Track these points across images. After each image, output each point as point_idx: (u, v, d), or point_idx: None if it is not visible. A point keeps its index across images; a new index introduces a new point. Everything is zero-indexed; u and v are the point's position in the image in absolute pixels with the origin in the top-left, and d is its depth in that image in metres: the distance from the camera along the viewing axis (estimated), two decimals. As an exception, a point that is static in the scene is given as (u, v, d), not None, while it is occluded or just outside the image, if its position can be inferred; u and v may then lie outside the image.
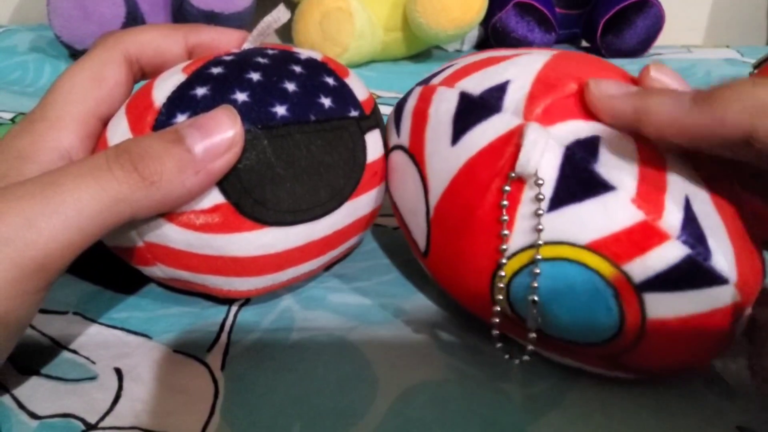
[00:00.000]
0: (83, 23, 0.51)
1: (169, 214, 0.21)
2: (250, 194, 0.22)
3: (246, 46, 0.26)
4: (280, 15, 0.25)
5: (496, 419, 0.22)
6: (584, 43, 0.74)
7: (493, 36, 0.66)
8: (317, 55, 0.27)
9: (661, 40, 0.67)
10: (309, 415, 0.22)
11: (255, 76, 0.23)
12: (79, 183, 0.18)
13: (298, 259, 0.24)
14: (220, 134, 0.20)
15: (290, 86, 0.23)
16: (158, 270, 0.24)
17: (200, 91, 0.22)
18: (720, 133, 0.18)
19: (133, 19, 0.53)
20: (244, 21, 0.57)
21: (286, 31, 0.71)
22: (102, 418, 0.21)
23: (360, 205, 0.25)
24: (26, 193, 0.18)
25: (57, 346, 0.24)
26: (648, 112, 0.19)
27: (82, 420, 0.21)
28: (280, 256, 0.23)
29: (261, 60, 0.24)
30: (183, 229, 0.22)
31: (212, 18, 0.54)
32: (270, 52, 0.25)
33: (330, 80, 0.25)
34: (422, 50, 0.65)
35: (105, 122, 0.23)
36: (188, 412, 0.22)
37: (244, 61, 0.24)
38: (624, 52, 0.66)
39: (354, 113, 0.25)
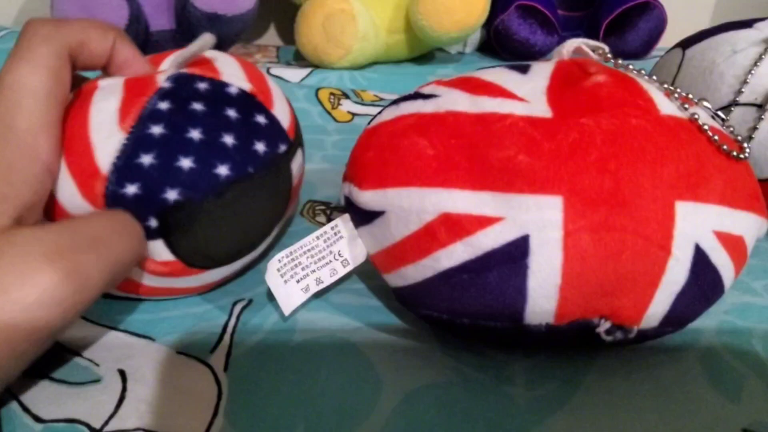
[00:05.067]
0: (86, 25, 0.52)
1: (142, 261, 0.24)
2: (198, 252, 0.24)
3: (166, 68, 0.25)
4: (205, 42, 0.25)
5: (501, 422, 0.22)
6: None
7: (496, 38, 0.66)
8: (245, 85, 0.26)
9: (664, 42, 0.67)
10: (313, 416, 0.22)
11: (195, 135, 0.23)
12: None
13: (240, 272, 0.29)
14: None
15: (229, 139, 0.24)
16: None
17: (146, 160, 0.22)
18: None
19: (137, 21, 0.53)
20: (247, 23, 0.57)
21: (289, 34, 0.71)
22: (106, 422, 0.21)
23: (278, 228, 0.28)
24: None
25: (61, 348, 0.24)
26: None
27: (87, 425, 0.21)
28: (226, 278, 0.28)
29: (197, 107, 0.24)
30: (149, 274, 0.25)
31: (215, 20, 0.54)
32: (202, 87, 0.25)
33: (261, 119, 0.26)
34: (425, 52, 0.65)
35: None
36: (192, 413, 0.22)
37: (180, 110, 0.23)
38: (626, 54, 0.66)
39: (283, 147, 0.26)
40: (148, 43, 0.57)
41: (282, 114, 0.27)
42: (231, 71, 0.27)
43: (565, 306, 0.21)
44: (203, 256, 0.24)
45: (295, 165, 0.28)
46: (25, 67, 0.21)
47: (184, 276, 0.25)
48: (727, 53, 0.33)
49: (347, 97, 0.53)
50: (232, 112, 0.24)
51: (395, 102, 0.26)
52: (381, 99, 0.53)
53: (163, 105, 0.23)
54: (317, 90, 0.53)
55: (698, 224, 0.21)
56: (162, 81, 0.24)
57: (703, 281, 0.22)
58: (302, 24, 0.58)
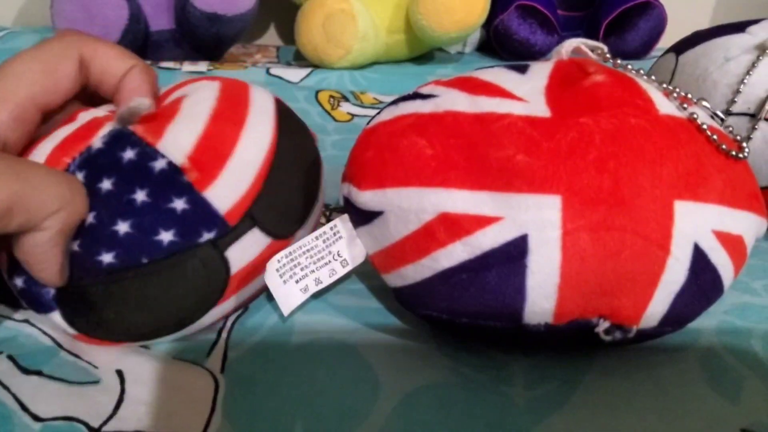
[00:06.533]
0: (87, 25, 0.52)
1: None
2: (97, 330, 0.23)
3: (113, 124, 0.24)
4: (140, 105, 0.23)
5: (500, 422, 0.22)
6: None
7: (495, 38, 0.66)
8: (180, 158, 0.23)
9: (664, 41, 0.67)
10: (311, 417, 0.22)
11: (89, 218, 0.22)
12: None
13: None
14: None
15: (123, 227, 0.22)
16: None
17: None
18: None
19: (137, 21, 0.53)
20: (247, 23, 0.57)
21: (289, 34, 0.71)
22: (105, 422, 0.21)
23: (228, 305, 0.25)
24: None
25: (60, 348, 0.24)
26: None
27: (86, 424, 0.21)
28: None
29: (105, 186, 0.22)
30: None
31: (215, 20, 0.54)
32: (125, 158, 0.23)
33: (179, 203, 0.23)
34: (425, 52, 0.65)
35: (42, 111, 0.23)
36: (190, 414, 0.22)
37: (92, 184, 0.22)
38: (626, 54, 0.66)
39: (208, 235, 0.23)
40: (148, 43, 0.57)
41: (226, 193, 0.24)
42: (181, 133, 0.24)
43: (564, 305, 0.21)
44: (105, 333, 0.23)
45: (236, 251, 0.24)
46: (26, 54, 0.23)
47: (111, 345, 0.24)
48: (719, 61, 0.33)
49: (347, 99, 0.53)
50: (140, 196, 0.22)
51: (394, 102, 0.26)
52: (380, 102, 0.53)
53: (77, 176, 0.23)
54: (317, 92, 0.53)
55: (697, 224, 0.21)
56: (99, 137, 0.23)
57: (703, 281, 0.22)
58: (302, 24, 0.58)
